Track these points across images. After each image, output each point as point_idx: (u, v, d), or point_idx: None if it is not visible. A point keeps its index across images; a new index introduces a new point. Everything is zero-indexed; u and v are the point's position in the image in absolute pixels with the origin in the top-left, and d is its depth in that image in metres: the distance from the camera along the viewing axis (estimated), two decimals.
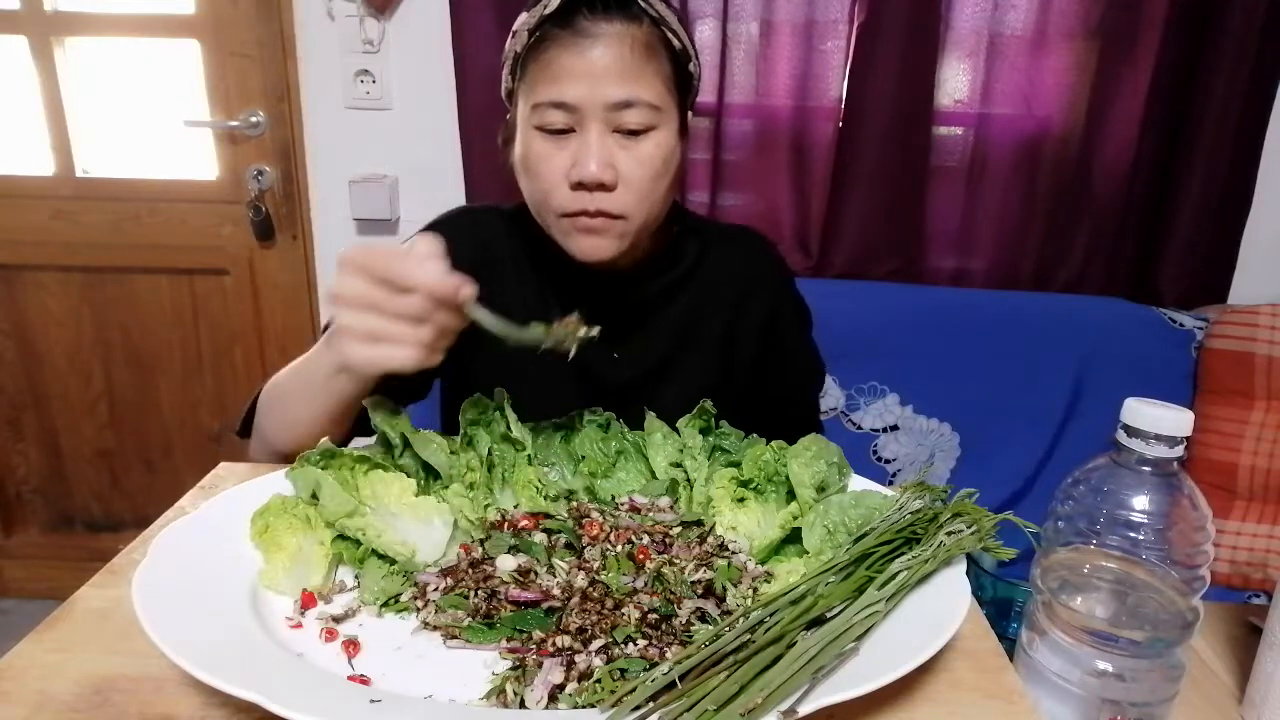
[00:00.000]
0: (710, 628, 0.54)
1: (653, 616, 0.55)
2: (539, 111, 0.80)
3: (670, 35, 0.82)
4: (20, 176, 1.84)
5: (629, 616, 0.55)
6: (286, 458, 0.81)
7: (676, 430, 0.77)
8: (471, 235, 0.95)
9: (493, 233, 0.96)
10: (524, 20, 0.81)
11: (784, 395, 1.03)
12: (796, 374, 1.04)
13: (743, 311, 0.98)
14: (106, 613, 0.57)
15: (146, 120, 1.85)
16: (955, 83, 1.64)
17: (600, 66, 0.77)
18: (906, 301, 1.60)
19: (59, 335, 1.94)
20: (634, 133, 0.80)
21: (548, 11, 0.79)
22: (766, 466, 0.70)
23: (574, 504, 0.70)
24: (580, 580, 0.58)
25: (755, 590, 0.61)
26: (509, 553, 0.62)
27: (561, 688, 0.50)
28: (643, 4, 0.80)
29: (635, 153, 0.80)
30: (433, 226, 0.97)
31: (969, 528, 0.60)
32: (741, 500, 0.71)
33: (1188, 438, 0.54)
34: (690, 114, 0.89)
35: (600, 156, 0.78)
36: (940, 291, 1.67)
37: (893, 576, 0.55)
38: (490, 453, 0.73)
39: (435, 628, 0.57)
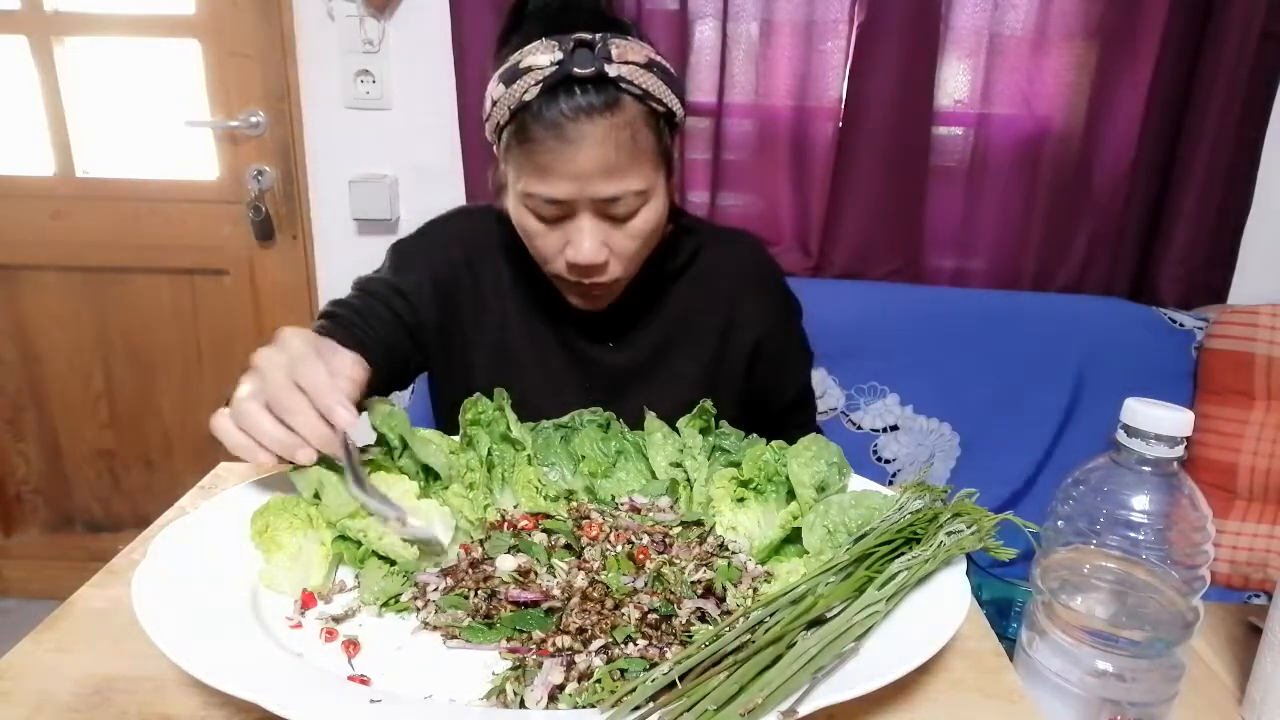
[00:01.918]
0: (710, 628, 0.54)
1: (653, 616, 0.55)
2: (529, 197, 0.80)
3: (655, 105, 0.79)
4: (20, 176, 1.84)
5: (629, 616, 0.55)
6: None
7: (676, 430, 0.77)
8: (463, 234, 0.98)
9: (487, 232, 0.97)
10: (502, 95, 0.77)
11: (779, 383, 1.04)
12: (791, 363, 1.06)
13: (737, 308, 0.99)
14: (106, 613, 0.57)
15: (146, 120, 1.84)
16: (955, 83, 1.64)
17: (587, 170, 0.76)
18: (906, 301, 1.60)
19: (59, 335, 1.94)
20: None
21: (526, 99, 0.76)
22: (766, 466, 0.70)
23: (574, 504, 0.70)
24: (580, 580, 0.58)
25: (755, 590, 0.61)
26: (509, 553, 0.62)
27: (561, 688, 0.50)
28: (623, 85, 0.76)
29: (627, 230, 0.82)
30: (428, 224, 1.00)
31: (969, 528, 0.60)
32: (741, 500, 0.71)
33: (1188, 438, 0.54)
34: (677, 141, 0.87)
35: (593, 244, 0.80)
36: (940, 291, 1.67)
37: (893, 576, 0.55)
38: (490, 453, 0.73)
39: (435, 628, 0.57)
